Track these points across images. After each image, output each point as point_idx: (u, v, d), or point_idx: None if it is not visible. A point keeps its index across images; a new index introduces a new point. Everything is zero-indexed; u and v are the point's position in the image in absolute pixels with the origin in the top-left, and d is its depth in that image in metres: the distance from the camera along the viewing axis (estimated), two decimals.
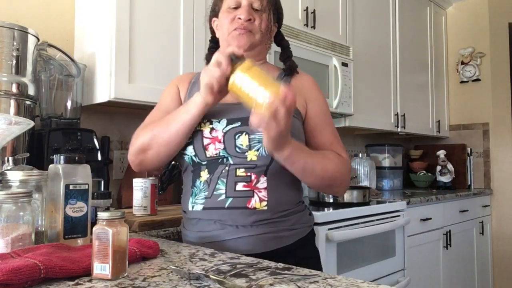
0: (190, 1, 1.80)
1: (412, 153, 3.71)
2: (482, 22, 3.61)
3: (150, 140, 1.07)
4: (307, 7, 2.32)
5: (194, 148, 1.09)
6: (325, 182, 1.07)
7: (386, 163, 3.33)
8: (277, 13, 1.22)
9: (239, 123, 1.07)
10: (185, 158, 1.11)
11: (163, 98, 1.21)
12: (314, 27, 2.38)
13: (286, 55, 1.22)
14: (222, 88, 0.97)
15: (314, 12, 2.38)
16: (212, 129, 1.08)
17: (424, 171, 3.56)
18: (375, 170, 3.10)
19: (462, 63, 3.67)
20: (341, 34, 2.61)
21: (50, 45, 1.54)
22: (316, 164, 1.03)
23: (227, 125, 1.08)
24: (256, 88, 0.88)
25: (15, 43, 1.37)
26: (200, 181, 1.09)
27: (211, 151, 1.07)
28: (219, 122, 1.09)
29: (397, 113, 3.10)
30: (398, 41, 3.15)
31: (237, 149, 1.06)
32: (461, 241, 3.03)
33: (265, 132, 0.89)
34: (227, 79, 0.95)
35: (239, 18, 1.11)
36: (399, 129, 3.11)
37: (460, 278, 2.99)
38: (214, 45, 1.24)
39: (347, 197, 2.15)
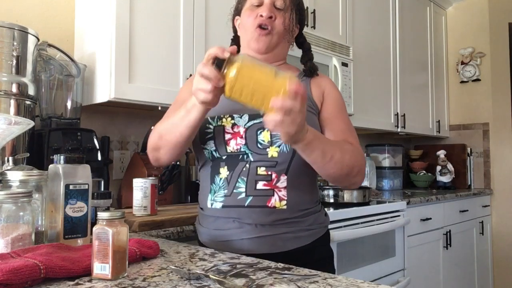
0: (190, 1, 1.80)
1: (412, 153, 3.71)
2: (482, 22, 3.61)
3: (159, 140, 1.08)
4: (307, 7, 2.32)
5: (215, 143, 1.09)
6: (344, 171, 1.01)
7: (386, 163, 3.33)
8: (299, 14, 1.21)
9: (261, 119, 1.07)
10: (205, 152, 1.12)
11: (182, 92, 1.21)
12: (314, 27, 2.38)
13: (307, 58, 1.22)
14: (219, 95, 0.90)
15: (314, 12, 2.38)
16: (234, 124, 1.09)
17: (424, 171, 3.56)
18: (375, 170, 3.10)
19: (462, 63, 3.67)
20: (341, 34, 2.61)
21: (50, 45, 1.54)
22: (334, 151, 0.99)
23: (249, 121, 1.09)
24: (259, 90, 0.81)
25: (15, 43, 1.37)
26: (220, 178, 1.09)
27: (232, 146, 1.08)
28: (240, 117, 1.09)
29: (397, 113, 3.10)
30: (398, 41, 3.14)
31: (259, 145, 1.07)
32: (461, 241, 3.03)
33: (283, 131, 0.84)
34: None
35: (261, 16, 1.11)
36: (399, 129, 3.11)
37: (460, 278, 2.99)
38: (235, 43, 1.24)
39: (347, 197, 2.15)
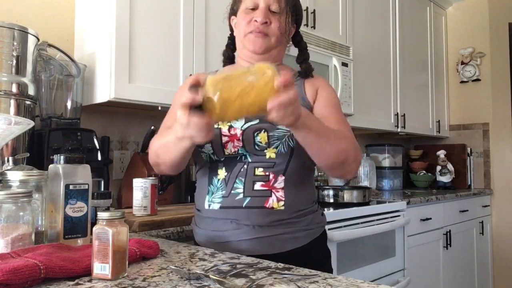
0: (190, 1, 1.80)
1: (412, 153, 3.71)
2: (482, 22, 3.61)
3: (156, 158, 1.08)
4: (307, 7, 2.32)
5: (212, 146, 1.09)
6: (340, 157, 0.99)
7: (386, 163, 3.33)
8: (295, 14, 1.20)
9: (257, 121, 1.07)
10: (203, 155, 1.12)
11: (175, 102, 1.20)
12: (314, 27, 2.38)
13: (303, 57, 1.22)
14: (213, 128, 0.86)
15: (314, 12, 2.38)
16: (230, 127, 1.09)
17: (424, 171, 3.56)
18: (375, 170, 3.10)
19: (462, 63, 3.67)
20: (341, 34, 2.61)
21: (50, 45, 1.54)
22: (330, 133, 0.97)
23: (245, 123, 1.08)
24: (248, 101, 0.78)
25: (15, 43, 1.37)
26: (218, 179, 1.09)
27: (230, 149, 1.08)
28: (237, 120, 1.09)
29: (397, 113, 3.10)
30: (398, 41, 3.14)
31: (256, 147, 1.07)
32: (461, 241, 3.03)
33: (288, 121, 0.83)
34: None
35: (256, 21, 1.10)
36: (399, 129, 3.11)
37: (460, 278, 2.99)
38: (231, 42, 1.23)
39: (347, 197, 2.15)
